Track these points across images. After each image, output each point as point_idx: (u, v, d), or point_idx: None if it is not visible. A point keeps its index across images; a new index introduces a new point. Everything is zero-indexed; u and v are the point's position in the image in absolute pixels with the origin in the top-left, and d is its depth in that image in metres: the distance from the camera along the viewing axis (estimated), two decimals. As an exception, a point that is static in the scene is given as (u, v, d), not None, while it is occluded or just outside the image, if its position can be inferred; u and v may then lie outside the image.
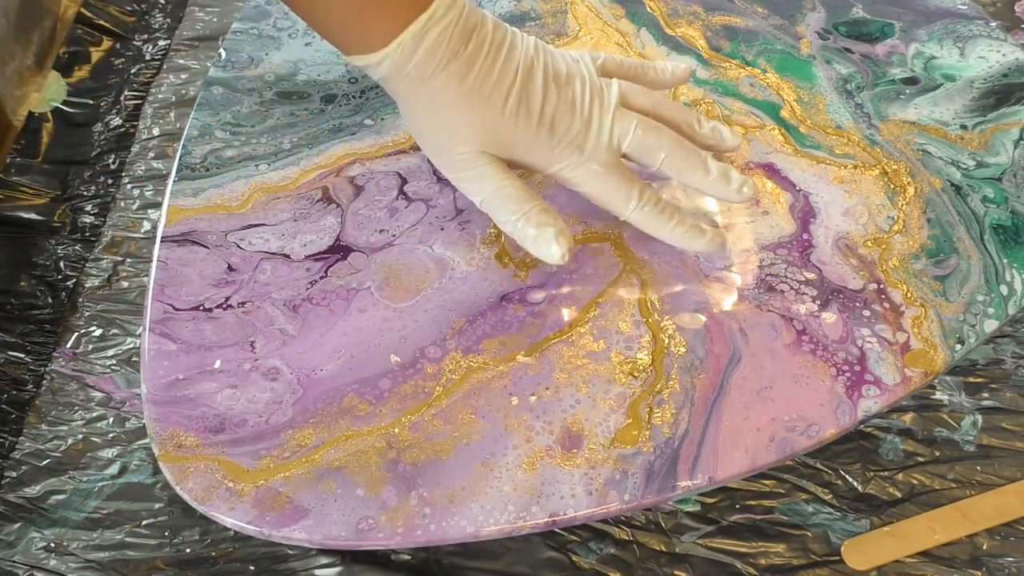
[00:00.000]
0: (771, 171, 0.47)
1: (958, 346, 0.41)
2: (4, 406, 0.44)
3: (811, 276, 0.43)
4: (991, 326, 0.42)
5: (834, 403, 0.39)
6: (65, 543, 0.40)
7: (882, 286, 0.43)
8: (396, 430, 0.38)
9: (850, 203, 0.46)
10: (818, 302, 0.42)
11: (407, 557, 0.40)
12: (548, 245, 0.40)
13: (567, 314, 0.42)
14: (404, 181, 0.47)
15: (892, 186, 0.46)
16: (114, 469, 0.42)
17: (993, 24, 0.54)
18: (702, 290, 0.42)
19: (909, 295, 0.42)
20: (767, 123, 0.49)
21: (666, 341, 0.41)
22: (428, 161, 0.47)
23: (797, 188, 0.46)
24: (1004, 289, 0.43)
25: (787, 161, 0.47)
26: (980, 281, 0.43)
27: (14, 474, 0.42)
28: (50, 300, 0.48)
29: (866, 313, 0.42)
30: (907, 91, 0.51)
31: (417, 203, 0.46)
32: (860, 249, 0.44)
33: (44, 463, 0.43)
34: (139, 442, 0.43)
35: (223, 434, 0.38)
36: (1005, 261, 0.44)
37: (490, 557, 0.40)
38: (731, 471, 0.38)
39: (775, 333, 0.41)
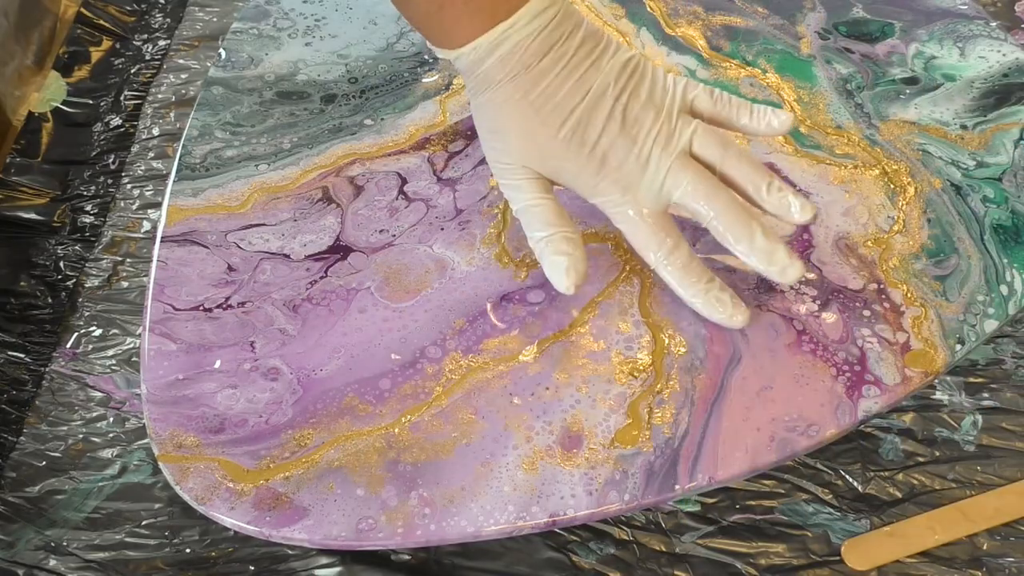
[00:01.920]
0: (771, 171, 0.47)
1: (958, 346, 0.41)
2: (4, 406, 0.44)
3: (811, 276, 0.43)
4: (991, 326, 0.42)
5: (834, 403, 0.39)
6: (65, 543, 0.40)
7: (882, 286, 0.43)
8: (396, 430, 0.38)
9: (850, 203, 0.46)
10: (818, 302, 0.42)
11: (407, 557, 0.40)
12: (559, 274, 0.39)
13: (567, 314, 0.42)
14: (404, 181, 0.47)
15: (892, 186, 0.46)
16: (114, 469, 0.42)
17: (993, 24, 0.54)
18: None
19: (909, 295, 0.42)
20: (767, 123, 0.49)
21: (666, 341, 0.41)
22: (428, 161, 0.47)
23: (797, 188, 0.46)
24: (1004, 289, 0.43)
25: (787, 161, 0.47)
26: (980, 281, 0.43)
27: (14, 474, 0.42)
28: (50, 300, 0.48)
29: (866, 313, 0.42)
30: (907, 91, 0.51)
31: (417, 203, 0.46)
32: (860, 249, 0.44)
33: (44, 463, 0.43)
34: (139, 442, 0.43)
35: (223, 434, 0.38)
36: (1005, 261, 0.44)
37: (490, 557, 0.40)
38: (731, 471, 0.37)
39: (775, 333, 0.41)
